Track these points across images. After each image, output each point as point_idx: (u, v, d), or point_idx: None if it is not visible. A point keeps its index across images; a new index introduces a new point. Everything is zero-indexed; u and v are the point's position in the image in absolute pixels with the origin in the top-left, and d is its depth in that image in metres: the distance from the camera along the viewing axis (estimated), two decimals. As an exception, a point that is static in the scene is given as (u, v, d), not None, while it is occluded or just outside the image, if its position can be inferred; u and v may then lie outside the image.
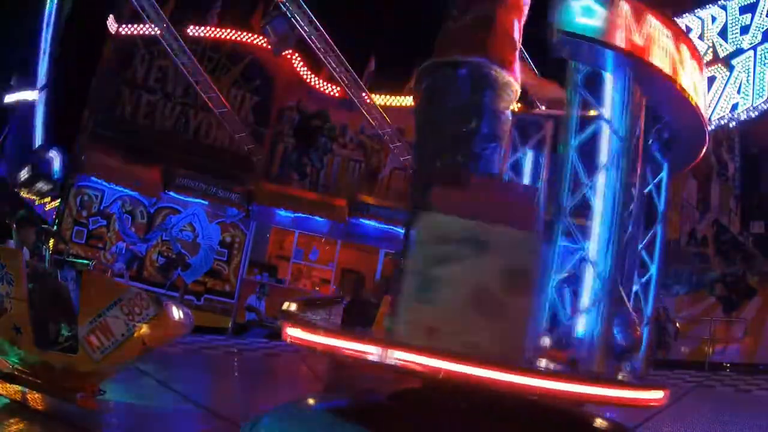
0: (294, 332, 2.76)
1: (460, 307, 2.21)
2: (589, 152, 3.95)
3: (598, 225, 3.79)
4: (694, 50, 4.22)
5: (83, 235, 15.22)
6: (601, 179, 3.81)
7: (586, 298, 3.52)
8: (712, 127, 12.76)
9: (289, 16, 14.70)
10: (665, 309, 13.23)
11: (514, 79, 4.32)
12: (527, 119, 4.97)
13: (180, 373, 7.89)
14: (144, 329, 4.64)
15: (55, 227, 14.42)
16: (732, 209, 17.59)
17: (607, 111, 3.89)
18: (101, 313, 4.66)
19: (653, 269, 4.39)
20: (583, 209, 3.88)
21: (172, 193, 15.95)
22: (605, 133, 3.91)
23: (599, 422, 2.85)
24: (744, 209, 17.54)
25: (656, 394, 2.51)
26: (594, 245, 3.71)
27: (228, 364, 10.32)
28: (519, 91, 4.40)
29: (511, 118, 4.44)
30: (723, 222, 17.00)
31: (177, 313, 4.89)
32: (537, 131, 4.95)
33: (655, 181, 4.42)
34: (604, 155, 3.88)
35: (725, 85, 12.29)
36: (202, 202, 16.21)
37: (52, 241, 10.78)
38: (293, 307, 10.03)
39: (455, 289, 2.19)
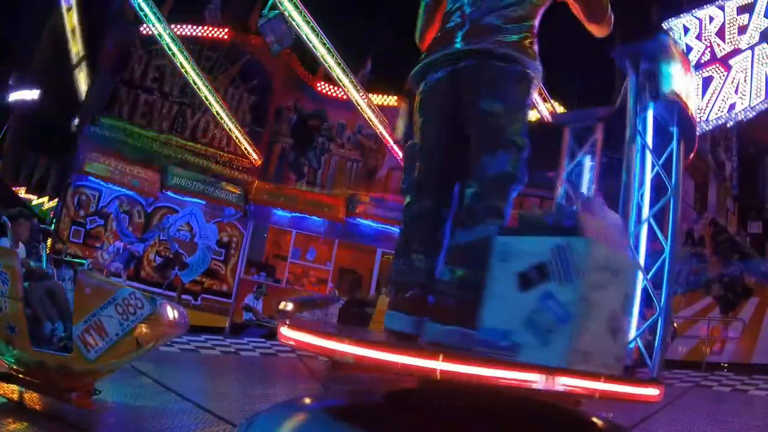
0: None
1: (603, 331, 2.43)
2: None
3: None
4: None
5: (81, 234, 15.18)
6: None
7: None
8: (710, 127, 12.79)
9: (287, 15, 14.69)
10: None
11: None
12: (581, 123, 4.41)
13: (176, 372, 7.87)
14: (138, 329, 4.63)
15: (52, 227, 14.38)
16: (729, 209, 17.63)
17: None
18: (95, 312, 4.66)
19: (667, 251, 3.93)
20: None
21: (169, 193, 15.92)
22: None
23: (596, 422, 2.84)
24: (741, 209, 17.58)
25: (652, 391, 2.48)
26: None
27: (225, 363, 10.30)
28: None
29: None
30: (720, 222, 17.03)
31: (172, 312, 4.87)
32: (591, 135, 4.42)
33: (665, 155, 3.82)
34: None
35: (723, 85, 12.30)
36: (200, 201, 16.19)
37: (49, 241, 10.75)
38: (290, 306, 10.03)
39: (600, 314, 2.40)
